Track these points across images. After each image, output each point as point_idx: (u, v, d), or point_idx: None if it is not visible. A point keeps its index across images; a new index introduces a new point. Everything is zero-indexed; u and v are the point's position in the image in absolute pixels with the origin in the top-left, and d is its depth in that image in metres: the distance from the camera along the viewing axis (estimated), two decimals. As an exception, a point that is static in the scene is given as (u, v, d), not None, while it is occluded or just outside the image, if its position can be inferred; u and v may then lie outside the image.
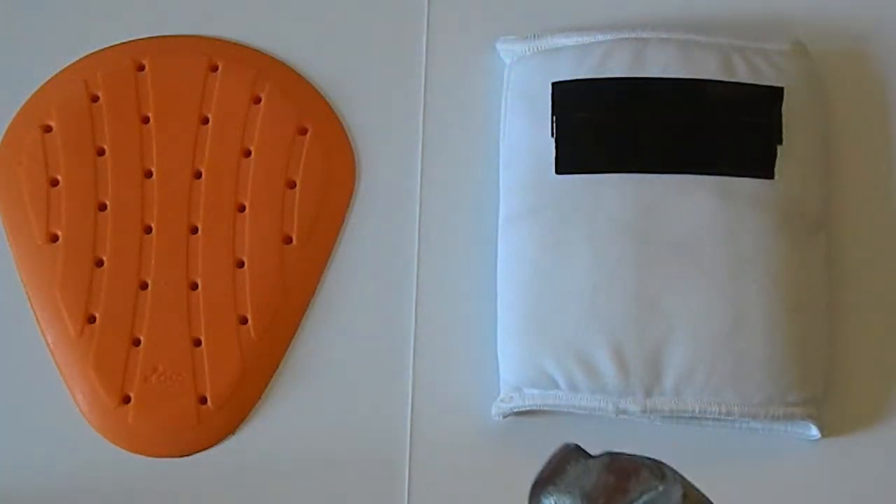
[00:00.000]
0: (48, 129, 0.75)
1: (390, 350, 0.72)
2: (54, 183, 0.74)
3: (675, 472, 0.51)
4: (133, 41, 0.77)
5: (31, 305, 0.73)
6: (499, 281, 0.71)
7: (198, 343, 0.71)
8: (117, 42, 0.77)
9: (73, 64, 0.77)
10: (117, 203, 0.74)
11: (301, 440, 0.71)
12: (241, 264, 0.73)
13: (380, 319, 0.73)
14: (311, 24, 0.78)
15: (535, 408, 0.69)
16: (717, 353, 0.68)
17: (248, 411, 0.72)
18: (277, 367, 0.72)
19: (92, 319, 0.72)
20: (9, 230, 0.74)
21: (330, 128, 0.76)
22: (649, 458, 0.50)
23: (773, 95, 0.71)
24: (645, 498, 0.51)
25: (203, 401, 0.71)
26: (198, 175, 0.74)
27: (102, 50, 0.77)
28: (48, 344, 0.72)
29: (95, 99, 0.76)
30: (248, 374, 0.71)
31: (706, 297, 0.68)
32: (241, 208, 0.74)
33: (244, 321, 0.72)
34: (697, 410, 0.68)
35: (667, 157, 0.70)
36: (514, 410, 0.69)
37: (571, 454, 0.51)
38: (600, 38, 0.74)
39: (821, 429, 0.69)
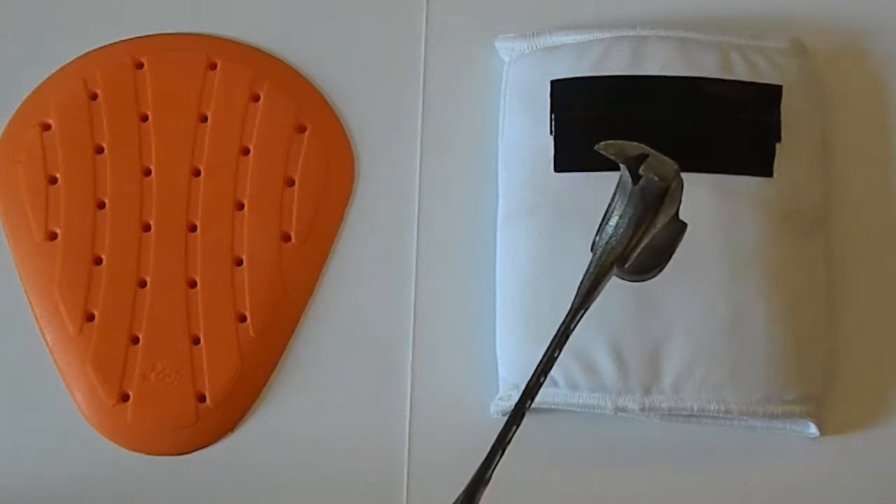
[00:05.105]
0: (47, 127, 0.75)
1: (389, 348, 0.72)
2: (53, 181, 0.74)
3: None
4: (132, 39, 0.77)
5: (30, 303, 0.73)
6: (497, 279, 0.71)
7: (196, 341, 0.72)
8: (116, 40, 0.77)
9: (72, 62, 0.77)
10: (116, 201, 0.74)
11: (300, 438, 0.71)
12: (239, 262, 0.73)
13: (379, 317, 0.73)
14: (309, 22, 0.78)
15: (534, 406, 0.69)
16: (715, 351, 0.68)
17: (247, 409, 0.72)
18: (276, 365, 0.72)
19: (91, 317, 0.72)
20: (7, 228, 0.74)
21: (329, 126, 0.76)
22: None
23: (772, 93, 0.72)
24: None
25: (202, 399, 0.71)
26: (196, 173, 0.74)
27: (101, 48, 0.77)
28: (47, 342, 0.72)
29: (94, 97, 0.76)
30: (246, 372, 0.71)
31: (705, 296, 0.68)
32: (240, 206, 0.74)
33: (243, 319, 0.72)
34: (696, 409, 0.68)
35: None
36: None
37: None
38: (599, 35, 0.74)
39: (819, 427, 0.69)
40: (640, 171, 0.59)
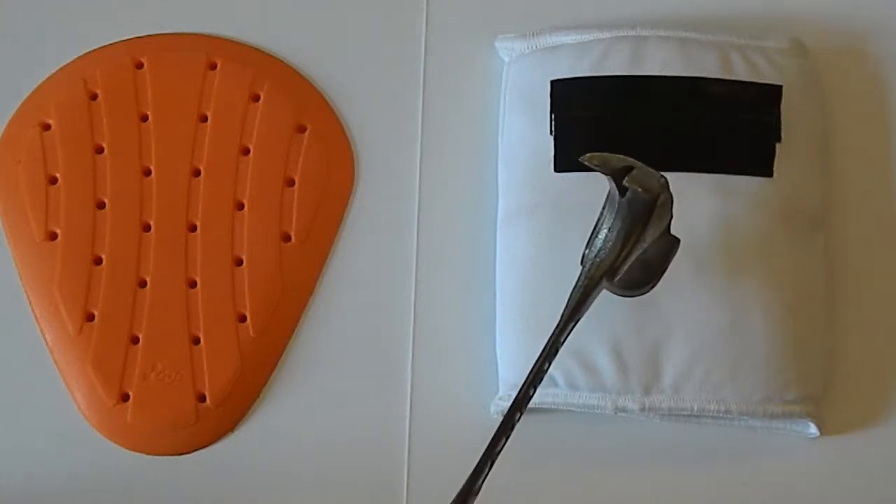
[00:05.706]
0: (47, 127, 0.75)
1: (389, 348, 0.72)
2: (53, 181, 0.74)
3: None
4: (132, 39, 0.77)
5: (30, 303, 0.73)
6: (497, 279, 0.71)
7: (196, 341, 0.72)
8: (116, 40, 0.77)
9: (72, 62, 0.77)
10: (116, 201, 0.74)
11: (300, 438, 0.71)
12: (239, 262, 0.73)
13: (378, 317, 0.73)
14: (309, 22, 0.78)
15: (533, 406, 0.69)
16: (715, 351, 0.68)
17: (247, 409, 0.72)
18: (276, 365, 0.72)
19: (91, 317, 0.72)
20: (7, 228, 0.74)
21: (329, 126, 0.76)
22: None
23: (772, 93, 0.72)
24: None
25: (202, 399, 0.71)
26: (196, 173, 0.74)
27: (101, 48, 0.77)
28: (47, 342, 0.72)
29: (94, 97, 0.76)
30: (246, 372, 0.71)
31: (704, 295, 0.68)
32: (240, 206, 0.74)
33: (243, 319, 0.72)
34: (696, 409, 0.68)
35: (665, 155, 0.70)
36: (513, 408, 0.69)
37: None
38: (599, 35, 0.74)
39: (819, 427, 0.69)
40: (625, 183, 0.59)
